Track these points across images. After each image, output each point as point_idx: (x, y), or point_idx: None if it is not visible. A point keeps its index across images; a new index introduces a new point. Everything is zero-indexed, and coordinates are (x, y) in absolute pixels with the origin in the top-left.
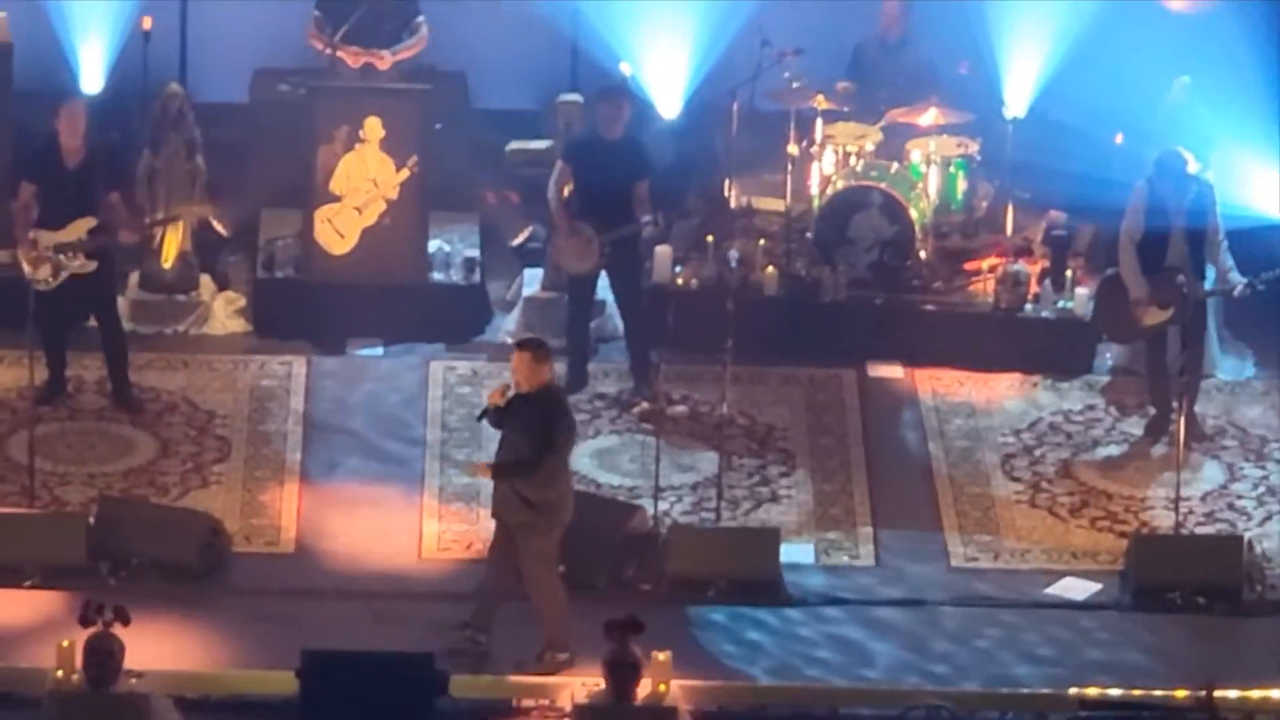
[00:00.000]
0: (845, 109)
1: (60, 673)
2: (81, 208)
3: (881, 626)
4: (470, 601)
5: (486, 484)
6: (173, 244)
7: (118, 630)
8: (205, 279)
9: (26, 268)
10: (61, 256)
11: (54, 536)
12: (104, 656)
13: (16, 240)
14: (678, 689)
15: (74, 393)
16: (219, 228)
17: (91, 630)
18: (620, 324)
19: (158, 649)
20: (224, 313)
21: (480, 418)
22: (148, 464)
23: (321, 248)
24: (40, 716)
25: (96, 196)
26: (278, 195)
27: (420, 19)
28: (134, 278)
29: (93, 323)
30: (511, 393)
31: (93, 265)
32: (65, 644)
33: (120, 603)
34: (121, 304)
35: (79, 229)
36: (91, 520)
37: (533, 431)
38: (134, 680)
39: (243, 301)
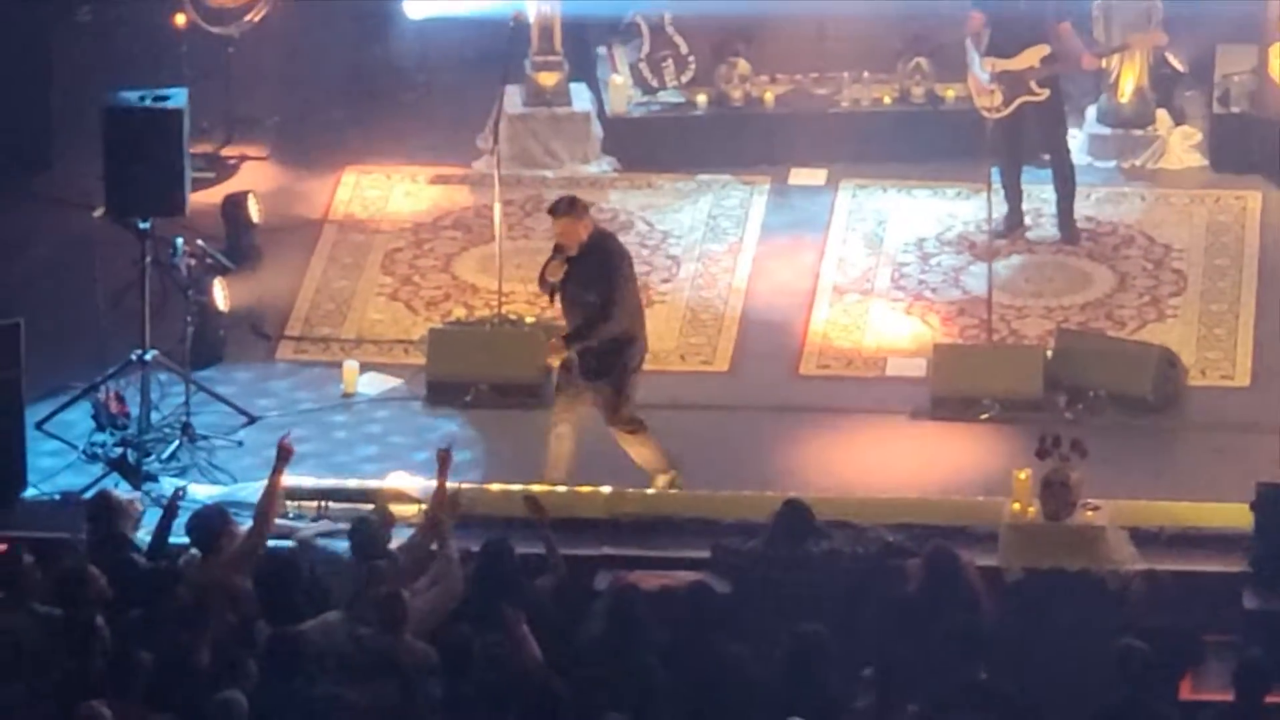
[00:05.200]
0: None
1: (1017, 505)
2: (1033, 35)
3: None
4: None
5: None
6: (1129, 79)
7: (1075, 463)
8: (1161, 113)
9: (975, 97)
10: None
11: (1011, 370)
12: (1060, 488)
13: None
14: None
15: (1032, 225)
16: (1175, 63)
17: (1049, 463)
18: None
19: (1114, 482)
20: (1180, 147)
21: (550, 295)
22: (1105, 297)
23: (1276, 83)
24: (998, 548)
25: (1046, 25)
26: (1233, 31)
27: None
28: (1091, 112)
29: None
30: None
31: (1044, 93)
32: (1022, 476)
33: (1076, 436)
34: (1079, 137)
35: (1030, 57)
36: (1049, 354)
37: (595, 280)
38: (1090, 512)
39: (1199, 136)
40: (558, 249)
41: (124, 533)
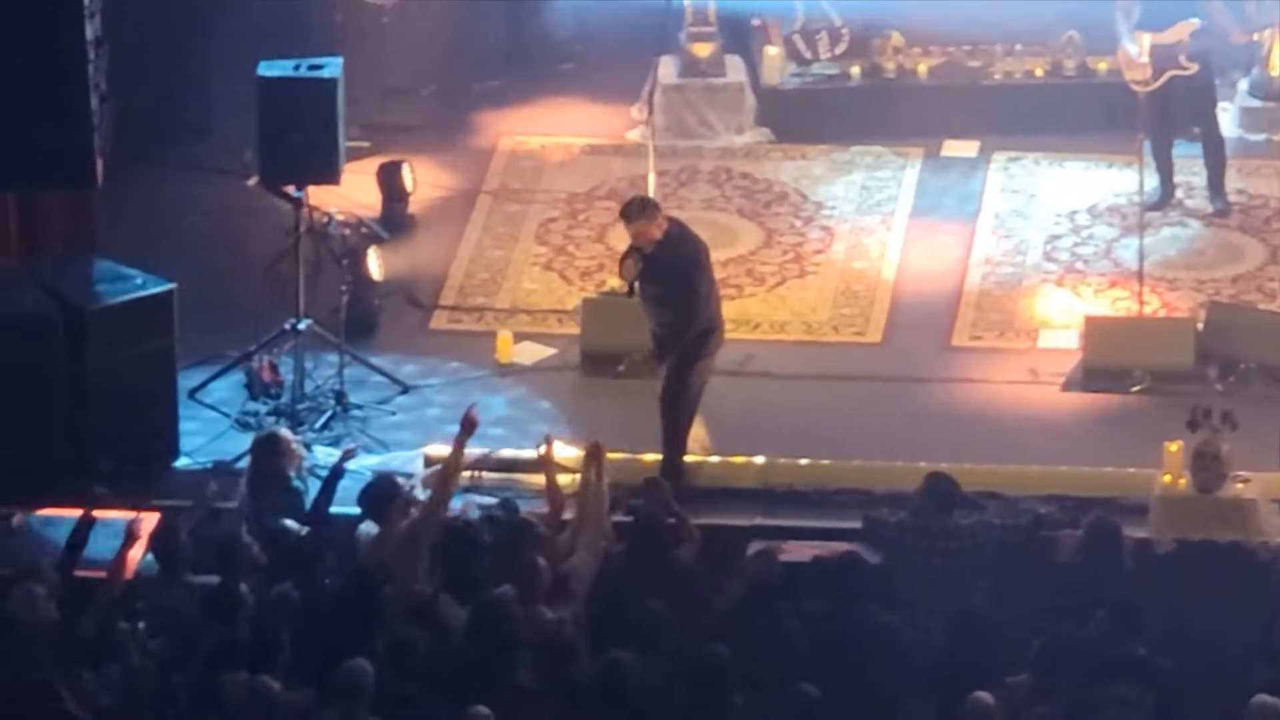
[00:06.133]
0: None
1: (1168, 476)
2: (1183, 10)
3: None
4: None
5: None
6: (1278, 52)
7: (1226, 435)
8: None
9: (1125, 70)
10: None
11: (1162, 341)
12: (1211, 459)
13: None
14: None
15: (1182, 199)
16: None
17: (1200, 434)
18: None
19: (1265, 454)
20: None
21: (630, 290)
22: (1256, 270)
23: None
24: (1149, 519)
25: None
26: None
27: None
28: (1242, 85)
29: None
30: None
31: (1193, 67)
32: (1173, 448)
33: (1227, 408)
34: (1230, 110)
35: (1180, 31)
36: (1200, 325)
37: (670, 277)
38: (1241, 485)
39: None
40: (634, 248)
41: (285, 472)
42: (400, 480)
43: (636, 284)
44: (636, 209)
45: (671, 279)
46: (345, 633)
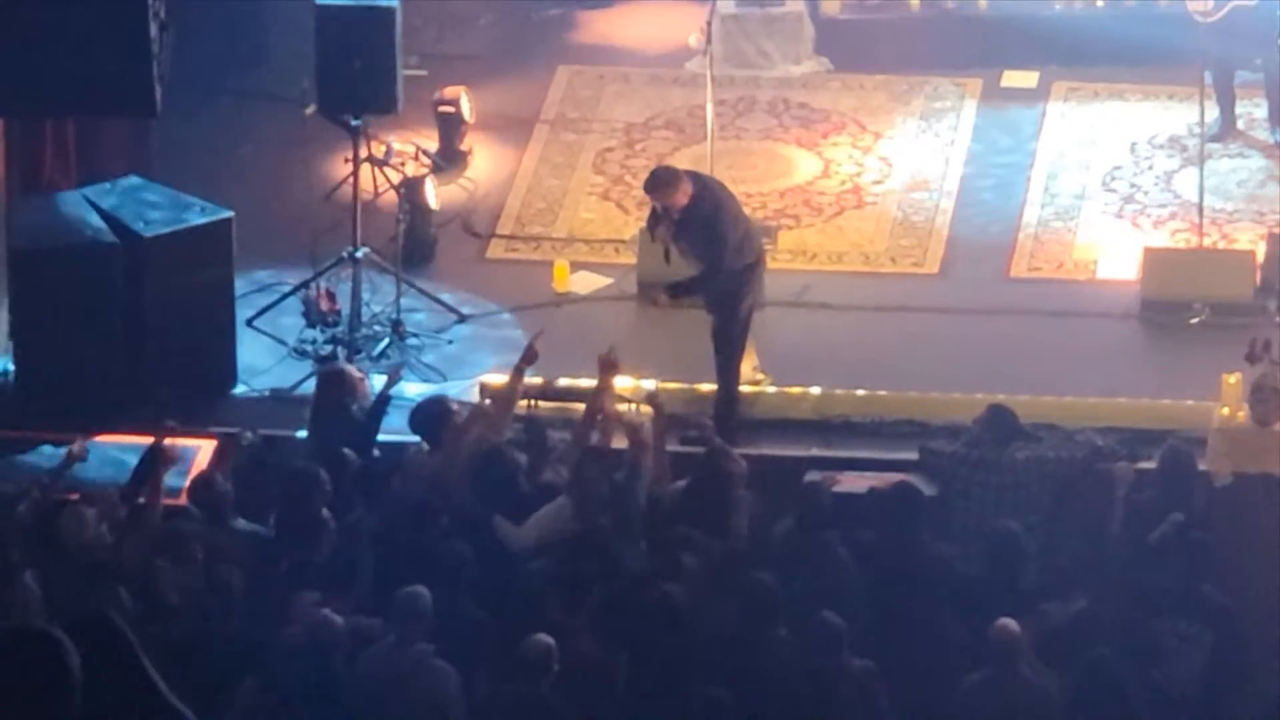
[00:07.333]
0: None
1: (1226, 409)
2: None
3: None
4: None
5: None
6: None
7: None
8: None
9: (1187, 1)
10: None
11: (1222, 273)
12: (1270, 392)
13: None
14: None
15: (1243, 130)
16: None
17: (1258, 367)
18: None
19: None
20: None
21: (666, 255)
22: None
23: None
24: (1206, 452)
25: None
26: None
27: None
28: None
29: None
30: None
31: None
32: (1231, 380)
33: None
34: None
35: None
36: (1260, 258)
37: (704, 236)
38: None
39: None
40: (660, 217)
41: (348, 406)
42: (452, 402)
43: (670, 248)
44: (662, 181)
45: (704, 238)
46: (407, 558)
